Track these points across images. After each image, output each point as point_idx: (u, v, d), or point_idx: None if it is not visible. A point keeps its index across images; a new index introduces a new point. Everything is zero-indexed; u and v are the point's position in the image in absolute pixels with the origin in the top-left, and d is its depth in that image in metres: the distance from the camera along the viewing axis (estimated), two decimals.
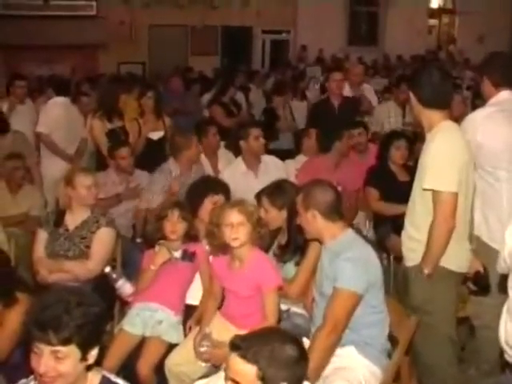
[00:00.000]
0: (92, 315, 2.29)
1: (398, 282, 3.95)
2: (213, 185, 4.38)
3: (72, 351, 2.23)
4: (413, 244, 3.61)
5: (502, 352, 2.53)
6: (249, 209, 3.46)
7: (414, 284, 3.59)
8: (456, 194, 3.40)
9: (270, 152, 6.87)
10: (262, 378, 2.13)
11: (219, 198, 4.17)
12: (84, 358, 2.29)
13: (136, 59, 16.67)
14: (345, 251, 3.24)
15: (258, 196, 4.00)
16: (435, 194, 3.41)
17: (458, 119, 3.94)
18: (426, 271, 3.47)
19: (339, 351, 3.23)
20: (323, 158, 5.66)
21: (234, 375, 2.18)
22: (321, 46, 18.63)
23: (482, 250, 3.69)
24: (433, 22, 22.14)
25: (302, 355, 2.25)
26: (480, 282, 3.60)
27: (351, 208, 5.42)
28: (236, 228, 3.38)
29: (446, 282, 3.56)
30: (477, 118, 3.84)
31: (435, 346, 3.61)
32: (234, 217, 3.39)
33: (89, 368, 2.38)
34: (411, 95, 3.64)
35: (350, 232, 3.40)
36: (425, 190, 3.46)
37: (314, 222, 3.33)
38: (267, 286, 3.42)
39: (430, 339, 3.60)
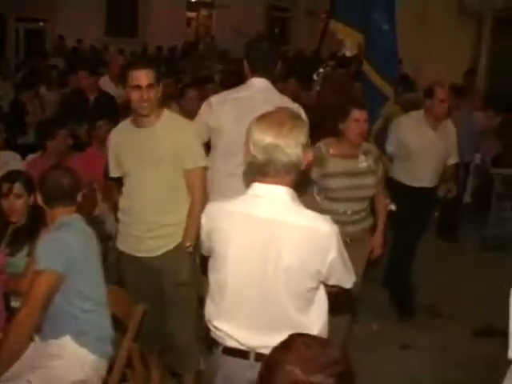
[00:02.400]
0: None
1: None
2: None
3: None
4: (168, 230, 3.77)
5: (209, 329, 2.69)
6: None
7: (181, 262, 3.77)
8: None
9: (17, 147, 6.60)
10: None
11: None
12: None
13: None
14: (48, 234, 3.26)
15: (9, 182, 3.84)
16: (197, 171, 3.77)
17: None
18: (190, 243, 3.72)
19: (55, 341, 3.21)
20: (45, 156, 5.45)
21: None
22: (79, 36, 18.21)
23: None
24: (191, 14, 22.71)
25: None
26: None
27: (87, 199, 5.29)
28: None
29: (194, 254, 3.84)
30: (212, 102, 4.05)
31: (191, 321, 3.85)
32: None
33: None
34: None
35: (68, 217, 3.30)
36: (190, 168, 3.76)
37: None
38: None
39: (187, 314, 3.83)
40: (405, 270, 5.65)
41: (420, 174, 5.41)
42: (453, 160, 5.57)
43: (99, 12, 19.55)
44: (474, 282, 6.14)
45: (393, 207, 5.02)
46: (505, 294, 3.42)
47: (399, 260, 5.62)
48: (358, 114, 4.18)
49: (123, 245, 3.93)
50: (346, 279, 2.60)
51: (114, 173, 3.97)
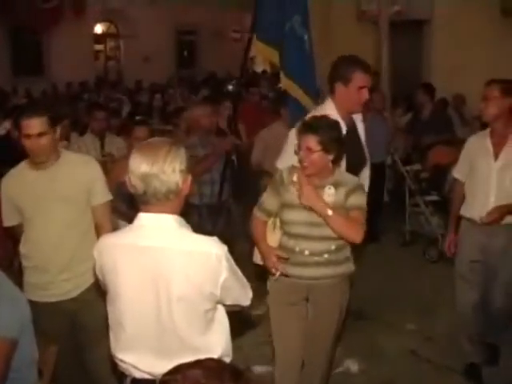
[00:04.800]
0: None
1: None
2: None
3: None
4: (82, 268, 3.67)
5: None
6: None
7: (100, 297, 3.56)
8: None
9: None
10: None
11: None
12: None
13: None
14: None
15: None
16: (104, 205, 3.84)
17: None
18: None
19: None
20: None
21: None
22: None
23: None
24: (99, 47, 22.48)
25: None
26: None
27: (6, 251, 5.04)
28: None
29: None
30: None
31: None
32: None
33: None
34: None
35: None
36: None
37: None
38: None
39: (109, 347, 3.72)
40: None
41: None
42: None
43: (4, 53, 19.12)
44: (397, 280, 6.29)
45: None
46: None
47: None
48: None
49: (34, 294, 3.70)
50: (243, 298, 2.61)
51: (10, 221, 3.83)
